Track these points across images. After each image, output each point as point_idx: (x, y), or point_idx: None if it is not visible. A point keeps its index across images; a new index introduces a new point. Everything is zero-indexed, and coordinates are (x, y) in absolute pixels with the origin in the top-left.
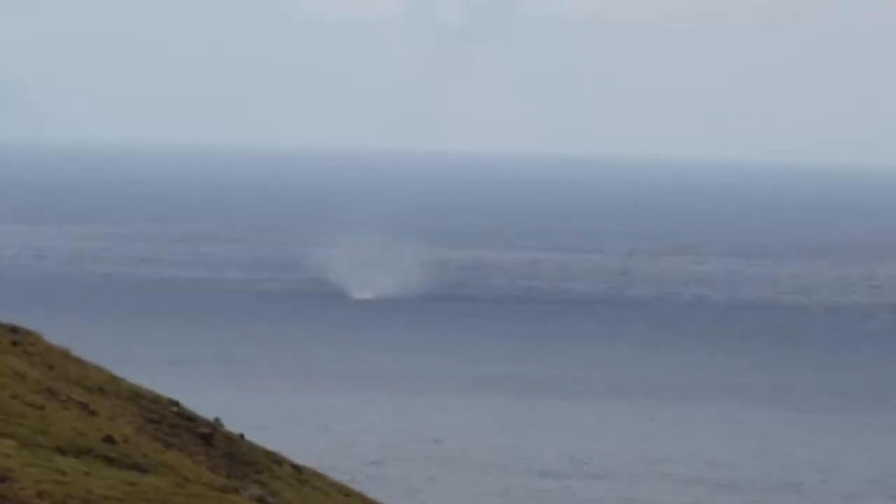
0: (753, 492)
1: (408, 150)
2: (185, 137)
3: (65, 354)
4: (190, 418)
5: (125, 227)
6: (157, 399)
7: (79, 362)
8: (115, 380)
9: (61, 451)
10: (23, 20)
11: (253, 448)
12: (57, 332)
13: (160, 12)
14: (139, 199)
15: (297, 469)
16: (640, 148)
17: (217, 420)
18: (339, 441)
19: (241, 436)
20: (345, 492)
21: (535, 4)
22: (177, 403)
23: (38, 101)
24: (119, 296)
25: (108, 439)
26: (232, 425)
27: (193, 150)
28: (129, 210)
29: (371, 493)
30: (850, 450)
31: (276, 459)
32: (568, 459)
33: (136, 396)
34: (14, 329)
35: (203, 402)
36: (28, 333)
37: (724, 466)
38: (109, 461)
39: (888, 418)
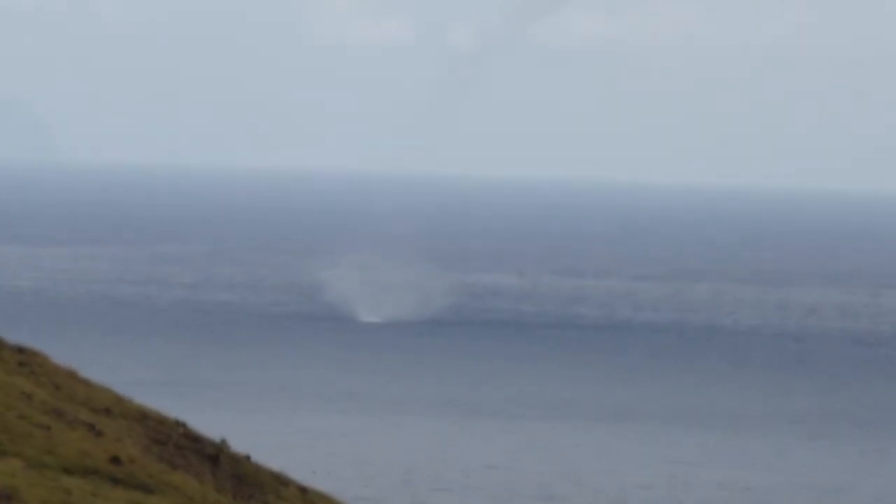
0: None
1: (418, 173)
2: (196, 160)
3: (71, 375)
4: (196, 439)
5: (134, 248)
6: (163, 420)
7: (85, 383)
8: (121, 401)
9: (67, 472)
10: (35, 43)
11: (259, 469)
12: (64, 353)
13: (175, 36)
14: (149, 221)
15: (303, 490)
16: (648, 173)
17: (223, 441)
18: (344, 463)
19: (248, 457)
20: None
21: (547, 30)
22: (183, 424)
23: (50, 122)
24: (126, 317)
25: (115, 460)
26: (238, 446)
27: (204, 173)
28: (138, 231)
29: None
30: (856, 474)
31: (282, 481)
32: (570, 483)
33: (143, 417)
34: (21, 349)
35: (209, 424)
36: (35, 354)
37: (733, 492)
38: (116, 482)
39: (892, 443)
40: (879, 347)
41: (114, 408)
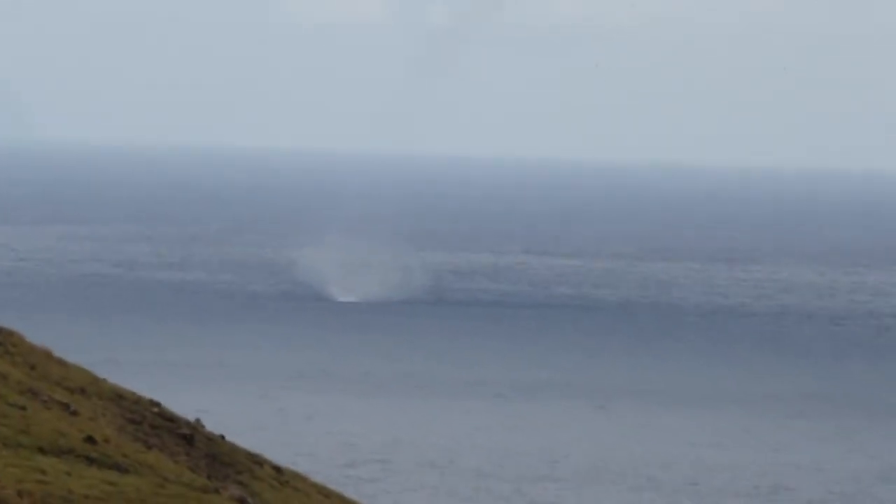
0: (742, 497)
1: (394, 152)
2: (172, 139)
3: (47, 355)
4: (171, 419)
5: (111, 228)
6: (138, 400)
7: (60, 363)
8: (96, 380)
9: (42, 451)
10: (11, 20)
11: (234, 449)
12: (39, 333)
13: (150, 15)
14: (126, 200)
15: (278, 470)
16: (623, 152)
17: (198, 421)
18: (320, 443)
19: (222, 437)
20: (325, 493)
21: (523, 9)
22: (158, 404)
23: (25, 101)
24: (102, 297)
25: (90, 439)
26: (213, 426)
27: (180, 152)
28: (115, 211)
29: (351, 496)
30: (832, 454)
31: (256, 461)
32: (552, 464)
33: (118, 397)
34: None
35: (184, 403)
36: (10, 334)
37: (712, 472)
38: (90, 461)
39: (868, 422)
40: (855, 326)
41: (89, 387)
